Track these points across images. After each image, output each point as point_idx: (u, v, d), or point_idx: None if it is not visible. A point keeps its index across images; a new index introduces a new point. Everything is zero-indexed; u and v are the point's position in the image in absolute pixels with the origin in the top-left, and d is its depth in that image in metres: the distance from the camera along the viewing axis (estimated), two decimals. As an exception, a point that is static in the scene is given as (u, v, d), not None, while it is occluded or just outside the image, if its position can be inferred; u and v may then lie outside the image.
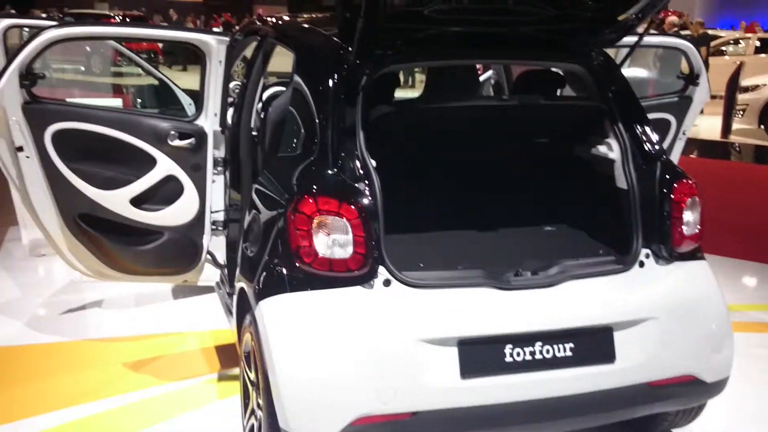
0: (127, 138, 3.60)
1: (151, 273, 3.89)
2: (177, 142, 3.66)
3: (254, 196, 3.12)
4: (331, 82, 2.86)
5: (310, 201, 2.67)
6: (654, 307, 2.88)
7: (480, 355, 2.67)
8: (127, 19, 21.34)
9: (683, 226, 2.98)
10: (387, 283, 2.68)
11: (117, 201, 3.65)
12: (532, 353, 2.71)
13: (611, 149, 3.12)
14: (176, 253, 3.83)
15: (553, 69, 3.29)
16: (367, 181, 2.73)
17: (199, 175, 3.76)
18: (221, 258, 4.06)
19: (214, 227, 3.91)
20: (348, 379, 2.58)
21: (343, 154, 2.76)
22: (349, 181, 2.72)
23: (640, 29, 3.18)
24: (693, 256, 3.04)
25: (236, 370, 3.92)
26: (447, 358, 2.64)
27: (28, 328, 4.45)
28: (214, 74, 3.69)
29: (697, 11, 25.12)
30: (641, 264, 2.94)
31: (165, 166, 3.68)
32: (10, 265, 5.50)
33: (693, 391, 2.97)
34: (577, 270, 2.86)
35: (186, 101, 4.85)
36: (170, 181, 3.71)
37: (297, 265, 2.68)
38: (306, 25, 3.58)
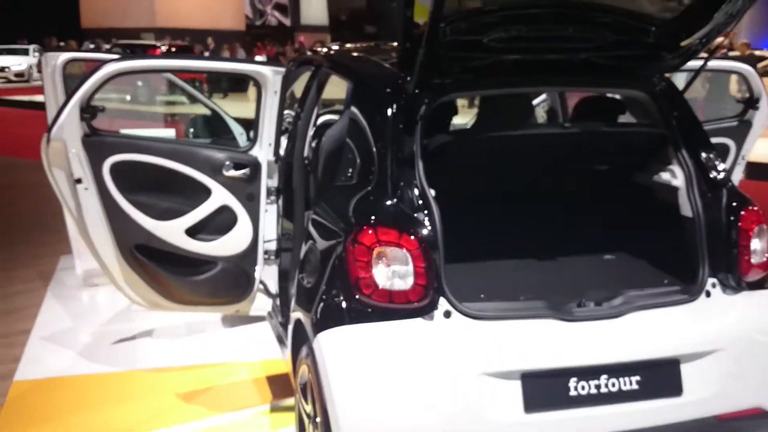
0: (182, 169, 3.62)
1: (205, 303, 3.89)
2: (232, 173, 3.68)
3: (310, 227, 3.10)
4: (390, 112, 2.84)
5: (370, 232, 2.64)
6: (722, 338, 2.79)
7: (544, 388, 2.61)
8: (173, 49, 21.75)
9: (751, 255, 2.89)
10: (447, 314, 2.64)
11: (172, 231, 3.67)
12: (598, 387, 2.64)
13: (675, 176, 3.04)
14: (229, 283, 3.83)
15: (615, 95, 3.23)
16: (426, 211, 2.69)
17: (253, 204, 3.76)
18: (273, 288, 4.05)
19: (266, 257, 3.90)
20: (409, 415, 2.53)
21: (402, 184, 2.73)
22: (408, 211, 2.69)
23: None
24: (760, 285, 2.94)
25: (290, 401, 3.89)
26: (510, 392, 2.58)
27: (80, 358, 4.47)
28: (269, 105, 3.70)
29: (743, 32, 24.76)
30: (707, 294, 2.86)
31: (220, 197, 3.69)
32: (63, 293, 5.54)
33: (762, 424, 2.87)
34: (642, 300, 2.79)
35: (238, 131, 4.89)
36: (224, 211, 3.73)
37: (356, 296, 2.64)
38: (362, 55, 3.57)
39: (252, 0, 37.47)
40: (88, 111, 3.47)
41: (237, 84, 24.48)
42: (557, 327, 2.67)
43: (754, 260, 2.89)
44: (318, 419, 2.82)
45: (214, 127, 4.88)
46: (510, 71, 2.99)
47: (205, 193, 3.68)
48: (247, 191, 3.74)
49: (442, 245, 2.64)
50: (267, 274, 4.00)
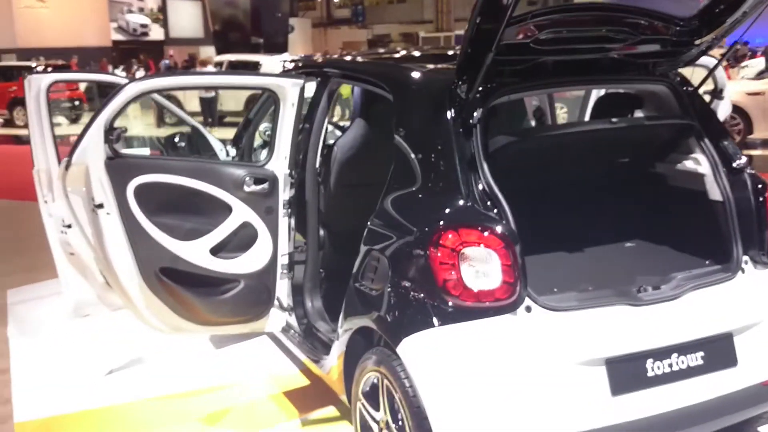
0: (204, 187, 3.55)
1: (228, 323, 3.81)
2: (252, 188, 3.63)
3: (368, 234, 3.10)
4: (450, 117, 2.91)
5: (453, 234, 2.69)
6: (762, 310, 3.02)
7: (626, 371, 2.75)
8: (49, 69, 20.74)
9: (779, 232, 3.14)
10: (528, 309, 2.73)
11: (197, 252, 3.58)
12: (670, 365, 2.81)
13: (700, 164, 3.26)
14: (252, 300, 3.77)
15: (635, 90, 3.42)
16: (499, 209, 2.78)
17: (272, 218, 3.72)
18: (285, 302, 4.00)
19: (282, 271, 3.86)
20: (507, 411, 2.61)
21: (472, 185, 2.81)
22: (484, 211, 2.76)
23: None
24: (786, 260, 3.20)
25: (321, 413, 3.89)
26: (597, 377, 2.70)
27: (75, 393, 4.24)
28: (287, 118, 3.66)
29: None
30: (743, 271, 3.09)
31: (241, 213, 3.63)
32: (26, 328, 5.23)
33: None
34: (692, 281, 2.98)
35: (218, 146, 4.80)
36: (245, 227, 3.66)
37: (444, 298, 2.69)
38: (395, 63, 3.61)
39: (119, 15, 36.27)
40: (112, 133, 3.33)
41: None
42: (628, 312, 2.82)
43: (780, 237, 3.15)
44: (399, 424, 2.85)
45: (194, 144, 4.77)
46: (550, 72, 3.12)
47: (226, 210, 3.61)
48: (265, 205, 3.69)
49: (519, 242, 2.73)
50: (280, 288, 3.95)
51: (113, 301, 4.31)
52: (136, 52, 32.94)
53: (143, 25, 37.31)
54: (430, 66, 3.40)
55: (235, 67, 18.12)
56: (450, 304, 2.69)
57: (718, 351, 2.91)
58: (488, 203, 2.80)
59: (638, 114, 3.46)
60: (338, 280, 3.96)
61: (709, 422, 2.91)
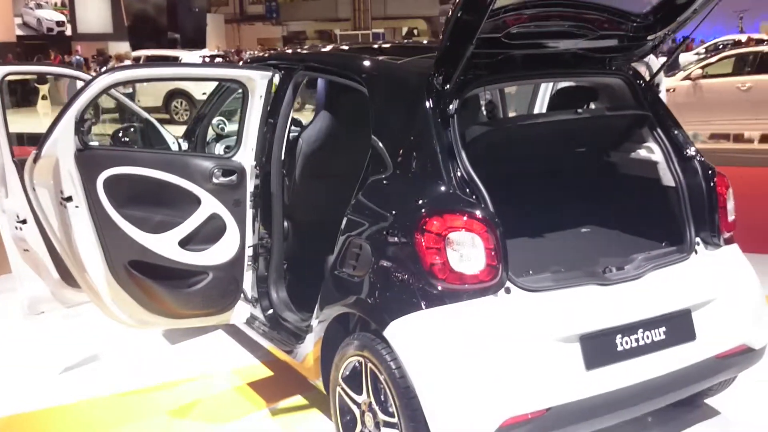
0: (173, 179, 3.54)
1: (196, 315, 3.80)
2: (221, 180, 3.64)
3: (347, 223, 3.17)
4: (430, 107, 3.01)
5: (439, 219, 2.80)
6: (715, 288, 3.25)
7: (598, 347, 2.91)
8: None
9: (728, 215, 3.38)
10: (508, 290, 2.86)
11: (166, 244, 3.56)
12: (637, 340, 2.99)
13: (653, 152, 3.47)
14: (220, 292, 3.78)
15: (592, 83, 3.60)
16: (477, 196, 2.90)
17: (239, 210, 3.75)
18: (250, 293, 4.02)
19: (248, 263, 3.89)
20: (493, 386, 2.74)
21: (452, 173, 2.92)
22: (465, 197, 2.88)
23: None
24: (731, 240, 3.44)
25: (291, 402, 3.93)
26: (572, 353, 2.86)
27: (37, 391, 4.15)
28: (255, 109, 3.69)
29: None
30: (695, 252, 3.31)
31: (209, 205, 3.64)
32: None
33: (746, 359, 3.35)
34: (652, 262, 3.18)
35: (170, 140, 4.77)
36: (213, 219, 3.68)
37: (431, 282, 2.79)
38: (378, 57, 3.67)
39: (26, 11, 34.68)
40: (83, 125, 3.29)
41: (25, 98, 22.86)
42: (597, 292, 2.99)
43: (729, 219, 3.38)
44: (384, 405, 2.94)
45: (146, 137, 4.72)
46: (518, 66, 3.27)
47: (195, 202, 3.62)
48: (233, 197, 3.72)
49: (500, 226, 2.86)
50: (245, 280, 3.98)
51: (68, 298, 4.27)
52: (43, 47, 31.73)
53: (60, 23, 34.68)
54: (404, 58, 3.50)
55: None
56: (436, 287, 2.79)
57: (679, 326, 3.11)
58: (467, 190, 2.92)
59: (592, 106, 3.65)
60: (303, 270, 4.03)
61: (671, 393, 3.11)
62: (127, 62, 17.59)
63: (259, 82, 3.67)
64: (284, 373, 4.10)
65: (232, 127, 5.00)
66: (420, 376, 2.75)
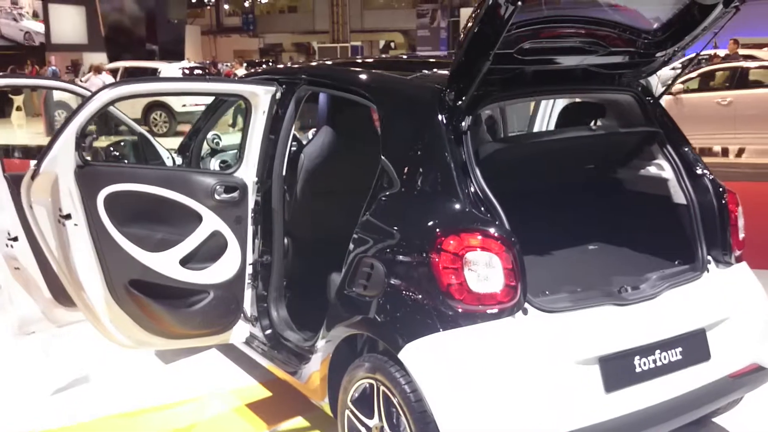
0: (175, 196, 3.45)
1: (196, 335, 3.70)
2: (222, 196, 3.55)
3: (357, 241, 3.09)
4: (443, 124, 2.94)
5: (455, 238, 2.73)
6: (728, 307, 3.22)
7: (617, 369, 2.86)
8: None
9: (739, 233, 3.35)
10: (525, 311, 2.80)
11: (167, 263, 3.47)
12: (654, 361, 2.94)
13: (663, 169, 3.44)
14: (221, 311, 3.69)
15: (602, 100, 3.56)
16: (493, 214, 2.84)
17: (241, 227, 3.66)
18: (249, 312, 3.92)
19: (248, 281, 3.79)
20: (514, 410, 2.67)
21: (467, 190, 2.86)
22: (482, 216, 2.81)
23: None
24: (741, 259, 3.42)
25: (291, 424, 3.83)
26: (592, 376, 2.80)
27: (26, 415, 4.01)
28: (258, 125, 3.61)
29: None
30: (707, 270, 3.27)
31: (211, 222, 3.55)
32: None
33: (758, 378, 3.32)
34: (667, 281, 3.14)
35: (165, 155, 4.67)
36: (214, 236, 3.59)
37: (448, 303, 2.72)
38: (384, 73, 3.60)
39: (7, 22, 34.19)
40: (84, 140, 3.19)
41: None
42: (614, 312, 2.94)
43: (740, 237, 3.36)
44: (395, 430, 2.87)
45: (140, 152, 4.61)
46: (529, 82, 3.22)
47: (196, 219, 3.53)
48: (235, 214, 3.63)
49: (518, 245, 2.79)
50: (246, 298, 3.88)
51: (60, 318, 4.14)
52: (18, 58, 31.30)
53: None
54: (413, 74, 3.44)
55: (133, 74, 17.58)
56: (454, 308, 2.72)
57: (694, 346, 3.07)
58: (482, 208, 2.85)
59: (600, 123, 3.61)
60: (303, 288, 3.94)
61: (686, 414, 3.06)
62: (104, 73, 17.32)
63: (262, 97, 3.59)
64: (284, 393, 4.00)
65: (226, 141, 4.90)
66: (437, 400, 2.68)
